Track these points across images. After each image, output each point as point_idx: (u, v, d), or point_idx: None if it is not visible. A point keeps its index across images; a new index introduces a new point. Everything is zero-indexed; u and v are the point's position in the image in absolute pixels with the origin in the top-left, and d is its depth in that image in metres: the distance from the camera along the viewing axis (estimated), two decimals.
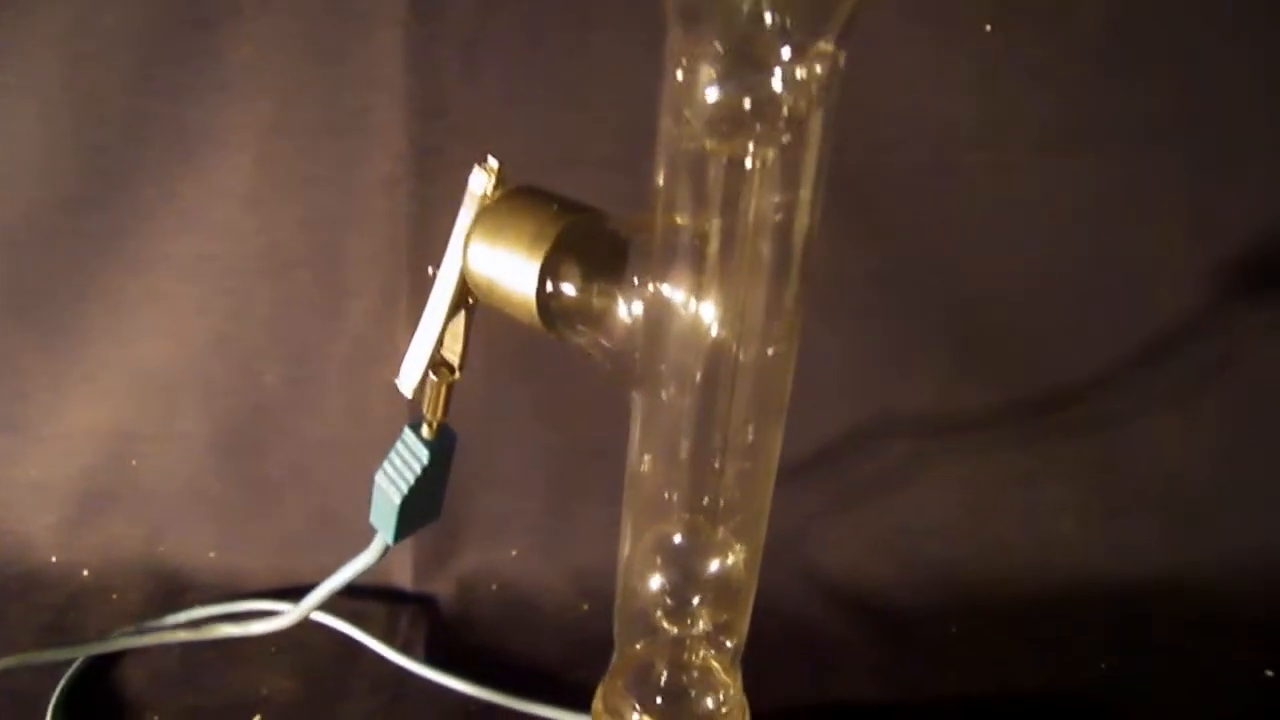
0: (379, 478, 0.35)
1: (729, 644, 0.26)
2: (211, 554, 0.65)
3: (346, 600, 0.62)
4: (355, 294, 0.62)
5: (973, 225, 0.63)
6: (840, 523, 0.68)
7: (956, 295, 0.64)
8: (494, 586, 0.65)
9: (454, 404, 0.65)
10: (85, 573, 0.65)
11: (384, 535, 0.36)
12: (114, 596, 0.63)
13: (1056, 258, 0.63)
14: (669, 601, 0.25)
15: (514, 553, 0.66)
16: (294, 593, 0.62)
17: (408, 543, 0.65)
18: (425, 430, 0.33)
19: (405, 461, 0.34)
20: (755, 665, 0.60)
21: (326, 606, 0.62)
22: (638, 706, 0.27)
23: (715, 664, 0.26)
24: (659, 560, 0.25)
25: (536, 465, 0.66)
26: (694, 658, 0.26)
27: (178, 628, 0.60)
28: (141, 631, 0.60)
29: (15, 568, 0.64)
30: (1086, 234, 0.63)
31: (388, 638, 0.60)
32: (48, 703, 0.54)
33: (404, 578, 0.65)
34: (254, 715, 0.55)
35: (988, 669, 0.61)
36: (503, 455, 0.65)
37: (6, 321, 0.64)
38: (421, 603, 0.64)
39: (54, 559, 0.65)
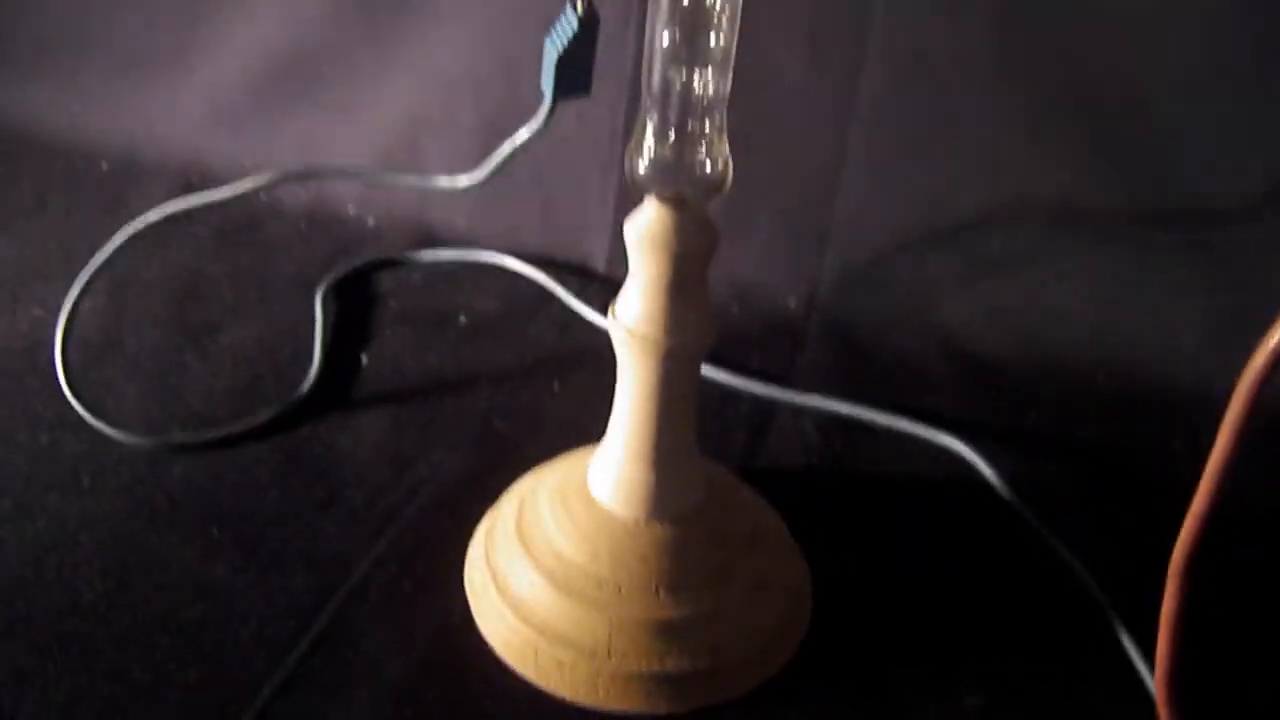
0: (546, 43, 0.47)
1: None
2: (461, 221, 0.82)
3: (547, 269, 0.78)
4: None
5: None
6: (967, 293, 0.73)
7: (1101, 87, 0.66)
8: None
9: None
10: (371, 222, 0.83)
11: (547, 95, 0.48)
12: (384, 240, 0.82)
13: (1207, 58, 0.63)
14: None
15: None
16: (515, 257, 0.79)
17: (605, 233, 0.79)
18: (580, 7, 0.45)
19: (562, 30, 0.46)
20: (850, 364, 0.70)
21: (528, 259, 0.78)
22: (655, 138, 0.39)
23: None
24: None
25: None
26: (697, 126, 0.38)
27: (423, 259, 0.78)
28: (399, 257, 0.78)
29: (322, 215, 0.84)
30: (1245, 40, 0.63)
31: (576, 294, 0.75)
32: (318, 286, 0.73)
33: (599, 263, 0.79)
34: (459, 315, 0.71)
35: (1064, 422, 0.66)
36: None
37: (352, 20, 0.82)
38: (607, 281, 0.78)
39: (351, 210, 0.84)
